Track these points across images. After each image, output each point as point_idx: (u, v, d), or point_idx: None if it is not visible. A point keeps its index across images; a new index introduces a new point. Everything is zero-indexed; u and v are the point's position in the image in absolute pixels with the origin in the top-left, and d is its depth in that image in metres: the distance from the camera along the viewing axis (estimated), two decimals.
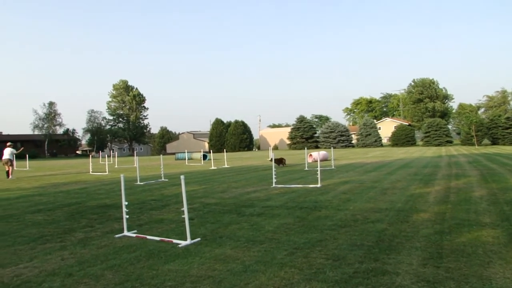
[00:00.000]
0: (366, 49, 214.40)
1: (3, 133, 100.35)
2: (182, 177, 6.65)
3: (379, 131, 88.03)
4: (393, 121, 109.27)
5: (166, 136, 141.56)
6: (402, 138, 78.37)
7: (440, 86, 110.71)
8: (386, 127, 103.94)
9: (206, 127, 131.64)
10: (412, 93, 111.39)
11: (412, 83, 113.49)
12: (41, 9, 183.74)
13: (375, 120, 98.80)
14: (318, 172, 14.25)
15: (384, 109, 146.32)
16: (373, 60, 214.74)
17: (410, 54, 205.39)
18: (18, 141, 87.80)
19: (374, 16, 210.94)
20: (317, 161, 23.35)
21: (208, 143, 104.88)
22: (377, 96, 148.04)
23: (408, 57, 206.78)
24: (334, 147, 53.62)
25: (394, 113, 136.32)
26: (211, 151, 39.06)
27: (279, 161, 25.40)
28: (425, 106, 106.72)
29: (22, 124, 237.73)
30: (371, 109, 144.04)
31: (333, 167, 22.05)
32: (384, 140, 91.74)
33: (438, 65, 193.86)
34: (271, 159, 25.85)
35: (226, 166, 28.59)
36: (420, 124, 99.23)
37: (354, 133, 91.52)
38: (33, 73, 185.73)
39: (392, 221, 7.53)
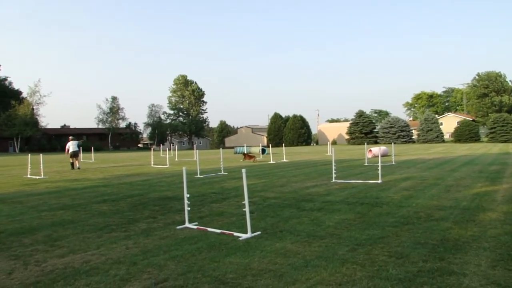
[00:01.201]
0: (427, 42, 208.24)
1: (71, 127, 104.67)
2: (243, 170, 6.69)
3: (440, 126, 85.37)
4: (455, 116, 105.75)
5: (225, 130, 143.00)
6: (465, 134, 75.66)
7: (507, 79, 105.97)
8: (448, 123, 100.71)
9: (264, 122, 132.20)
10: (477, 87, 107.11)
11: (477, 77, 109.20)
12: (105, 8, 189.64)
13: (436, 115, 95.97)
14: (379, 168, 14.00)
15: (446, 104, 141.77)
16: (435, 53, 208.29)
17: (475, 46, 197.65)
18: (84, 134, 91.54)
19: (434, 7, 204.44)
20: (377, 156, 22.95)
21: (267, 137, 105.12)
22: (439, 90, 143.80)
23: (473, 49, 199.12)
24: (394, 143, 52.45)
25: (457, 108, 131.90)
26: (269, 145, 39.13)
27: (250, 157, 28.74)
28: (491, 100, 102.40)
29: (88, 118, 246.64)
30: (432, 103, 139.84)
31: (393, 163, 21.60)
32: (446, 136, 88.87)
33: (505, 57, 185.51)
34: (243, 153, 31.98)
35: (284, 160, 28.57)
36: (485, 120, 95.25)
37: (414, 129, 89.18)
38: (99, 70, 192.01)
39: (457, 220, 7.29)
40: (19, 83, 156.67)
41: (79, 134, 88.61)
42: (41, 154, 21.76)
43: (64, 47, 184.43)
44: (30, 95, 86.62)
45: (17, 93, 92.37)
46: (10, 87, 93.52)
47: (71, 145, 24.21)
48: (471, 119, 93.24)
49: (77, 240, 6.64)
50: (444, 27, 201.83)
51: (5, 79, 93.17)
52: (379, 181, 13.40)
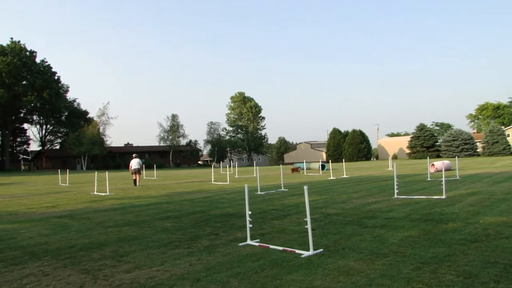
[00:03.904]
0: (491, 50, 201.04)
1: (134, 145, 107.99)
2: (305, 187, 6.68)
3: (507, 138, 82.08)
4: None
5: (284, 146, 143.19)
6: None
7: None
8: None
9: (323, 137, 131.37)
10: None
11: None
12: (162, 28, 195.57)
13: (503, 127, 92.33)
14: (443, 183, 13.57)
15: None
16: (500, 61, 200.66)
17: None
18: (146, 152, 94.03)
19: (498, 10, 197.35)
20: (440, 171, 22.33)
21: (326, 153, 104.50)
22: (505, 100, 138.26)
23: None
24: (458, 156, 50.83)
25: None
26: (329, 161, 38.85)
27: (296, 169, 30.05)
28: None
29: (150, 136, 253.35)
30: (498, 115, 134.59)
31: (457, 177, 20.90)
32: None
33: None
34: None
35: (345, 176, 28.24)
36: None
37: (479, 141, 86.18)
38: (159, 88, 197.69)
39: None
40: (85, 104, 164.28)
41: (141, 152, 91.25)
42: (106, 172, 22.55)
43: (127, 67, 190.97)
44: (99, 116, 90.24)
45: (85, 113, 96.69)
46: (78, 108, 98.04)
47: (133, 163, 25.10)
48: None
49: (142, 256, 6.82)
50: (507, 33, 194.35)
51: (74, 100, 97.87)
52: (444, 196, 13.00)
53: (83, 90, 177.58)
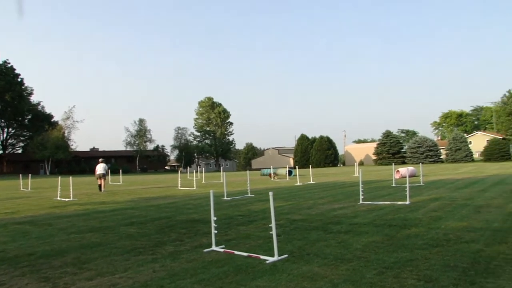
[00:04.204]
0: (454, 60, 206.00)
1: (100, 149, 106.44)
2: (270, 193, 6.69)
3: (469, 145, 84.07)
4: (485, 134, 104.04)
5: (251, 152, 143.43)
6: (495, 152, 74.19)
7: None
8: (478, 141, 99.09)
9: (291, 143, 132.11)
10: (507, 104, 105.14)
11: (507, 94, 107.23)
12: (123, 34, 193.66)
13: (465, 134, 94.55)
14: (407, 189, 13.81)
15: (475, 123, 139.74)
16: (462, 71, 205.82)
17: (506, 63, 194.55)
18: (112, 157, 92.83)
19: (461, 23, 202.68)
20: (404, 177, 22.68)
21: (293, 158, 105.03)
22: (468, 109, 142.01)
23: (503, 66, 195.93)
24: (422, 163, 51.77)
25: (486, 126, 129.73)
26: (296, 167, 39.04)
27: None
28: None
29: (116, 141, 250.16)
30: (461, 122, 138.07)
31: (421, 184, 21.29)
32: (476, 155, 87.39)
33: None
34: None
35: (311, 182, 28.43)
36: None
37: (443, 148, 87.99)
38: (126, 92, 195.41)
39: (489, 242, 7.12)
40: (50, 107, 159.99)
41: (107, 156, 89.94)
42: (70, 177, 22.12)
43: (94, 70, 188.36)
44: (64, 119, 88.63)
45: (49, 117, 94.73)
46: (42, 111, 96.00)
47: (98, 168, 24.87)
48: (501, 137, 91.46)
49: (105, 262, 6.70)
50: (473, 44, 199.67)
51: (38, 103, 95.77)
52: (407, 202, 13.21)
53: (49, 93, 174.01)
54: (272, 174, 32.19)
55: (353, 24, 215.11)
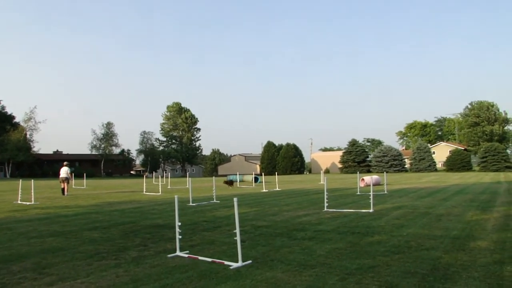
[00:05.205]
0: (420, 71, 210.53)
1: (63, 152, 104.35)
2: (235, 199, 6.70)
3: (433, 155, 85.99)
4: (448, 145, 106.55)
5: (218, 158, 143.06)
6: (457, 163, 76.17)
7: (501, 110, 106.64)
8: (441, 152, 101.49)
9: (257, 150, 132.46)
10: (469, 116, 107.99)
11: (469, 106, 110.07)
12: (102, 31, 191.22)
13: (429, 144, 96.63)
14: (371, 197, 14.03)
15: (439, 133, 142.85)
16: (428, 83, 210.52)
17: (468, 75, 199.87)
18: (76, 161, 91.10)
19: (427, 35, 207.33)
20: (369, 185, 23.01)
21: (260, 165, 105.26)
22: (431, 120, 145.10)
23: (465, 79, 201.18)
24: (387, 172, 52.63)
25: (449, 137, 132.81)
26: (262, 173, 39.12)
27: (230, 183, 30.32)
28: (482, 129, 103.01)
29: (81, 144, 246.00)
30: (425, 133, 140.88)
31: (385, 192, 21.65)
32: (439, 165, 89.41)
33: (498, 87, 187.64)
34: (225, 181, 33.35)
35: (277, 189, 28.53)
36: (477, 149, 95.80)
37: (407, 158, 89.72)
38: (92, 95, 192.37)
39: (448, 249, 7.32)
40: (13, 108, 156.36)
41: (72, 160, 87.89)
42: (32, 180, 21.65)
43: (58, 71, 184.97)
44: (25, 121, 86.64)
45: (10, 117, 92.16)
46: (3, 111, 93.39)
47: (62, 171, 24.44)
48: (463, 148, 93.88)
49: (67, 267, 6.58)
50: (436, 56, 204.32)
51: None
52: (371, 210, 13.41)
53: (10, 94, 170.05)
54: (229, 181, 32.17)
55: (323, 33, 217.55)
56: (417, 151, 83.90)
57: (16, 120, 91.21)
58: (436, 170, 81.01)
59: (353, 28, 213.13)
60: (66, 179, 24.65)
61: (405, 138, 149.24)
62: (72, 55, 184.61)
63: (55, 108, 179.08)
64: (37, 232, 10.34)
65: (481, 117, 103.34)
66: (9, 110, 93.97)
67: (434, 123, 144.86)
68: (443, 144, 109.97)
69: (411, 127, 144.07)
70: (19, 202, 19.21)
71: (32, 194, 19.68)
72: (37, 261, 7.10)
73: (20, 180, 21.61)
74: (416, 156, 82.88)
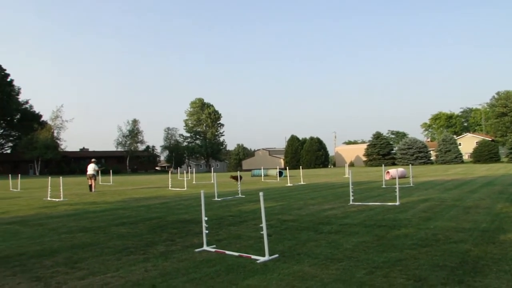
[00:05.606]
0: (445, 62, 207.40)
1: (90, 150, 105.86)
2: (261, 193, 6.72)
3: (459, 147, 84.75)
4: (474, 136, 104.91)
5: (242, 153, 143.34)
6: (484, 154, 74.83)
7: None
8: (467, 143, 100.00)
9: (281, 144, 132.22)
10: (496, 106, 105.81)
11: (496, 96, 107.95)
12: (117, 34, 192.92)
13: (455, 136, 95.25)
14: (397, 190, 13.91)
15: (465, 124, 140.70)
16: (452, 73, 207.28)
17: (494, 65, 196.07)
18: (102, 157, 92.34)
19: (451, 27, 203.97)
20: (394, 178, 22.83)
21: (284, 159, 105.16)
22: (457, 110, 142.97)
23: (492, 68, 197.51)
24: (412, 164, 52.05)
25: (476, 128, 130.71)
26: (286, 167, 39.08)
27: (237, 178, 28.47)
28: (510, 120, 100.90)
29: (106, 141, 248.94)
30: (450, 124, 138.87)
31: (411, 185, 21.44)
32: (465, 157, 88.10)
33: None
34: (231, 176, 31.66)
35: (302, 183, 28.50)
36: (504, 140, 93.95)
37: (432, 150, 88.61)
38: (117, 93, 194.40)
39: (477, 242, 7.21)
40: (40, 106, 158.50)
41: (98, 157, 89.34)
42: (60, 177, 22.04)
43: (83, 70, 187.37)
44: (52, 119, 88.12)
45: (38, 116, 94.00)
46: (31, 110, 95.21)
47: (89, 168, 24.90)
48: (490, 139, 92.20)
49: (97, 262, 6.71)
50: (461, 47, 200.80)
51: (26, 102, 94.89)
52: (397, 203, 13.31)
53: (38, 93, 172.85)
54: (235, 177, 31.31)
55: (347, 26, 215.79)
56: (443, 142, 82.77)
57: (43, 118, 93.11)
58: (462, 162, 79.84)
59: (374, 22, 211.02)
60: (94, 176, 25.07)
61: (430, 129, 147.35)
62: (96, 56, 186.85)
63: (80, 106, 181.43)
64: (67, 228, 10.55)
65: (509, 107, 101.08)
66: (36, 109, 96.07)
67: (460, 114, 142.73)
68: (469, 135, 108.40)
69: (436, 118, 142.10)
70: (48, 198, 19.59)
71: (61, 191, 20.05)
72: (68, 255, 7.25)
73: (49, 177, 22.03)
74: (441, 148, 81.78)
